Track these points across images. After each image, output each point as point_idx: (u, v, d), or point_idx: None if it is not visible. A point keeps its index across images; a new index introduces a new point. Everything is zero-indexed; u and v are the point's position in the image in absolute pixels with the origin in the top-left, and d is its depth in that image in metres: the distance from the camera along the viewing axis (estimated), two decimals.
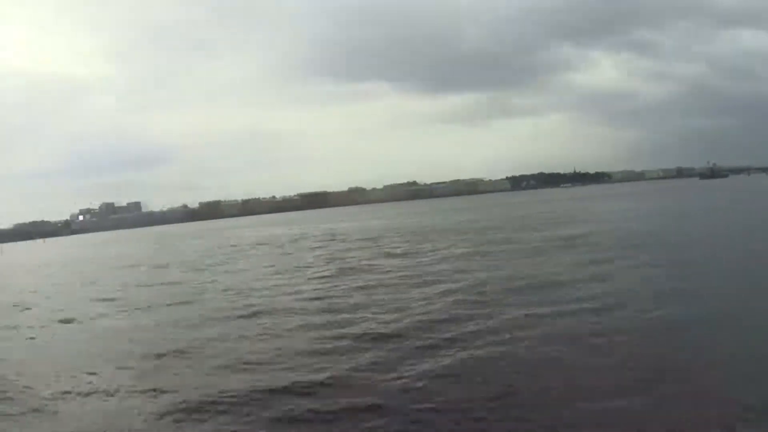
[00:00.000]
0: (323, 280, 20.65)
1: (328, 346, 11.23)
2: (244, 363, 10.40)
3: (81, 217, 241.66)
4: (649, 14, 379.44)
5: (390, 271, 21.66)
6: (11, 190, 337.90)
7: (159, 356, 11.37)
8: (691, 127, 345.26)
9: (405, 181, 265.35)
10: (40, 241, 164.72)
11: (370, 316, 13.76)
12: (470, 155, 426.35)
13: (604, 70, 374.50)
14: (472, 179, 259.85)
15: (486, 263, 21.30)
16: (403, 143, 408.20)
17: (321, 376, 9.30)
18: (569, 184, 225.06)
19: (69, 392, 9.36)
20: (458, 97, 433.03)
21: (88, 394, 9.20)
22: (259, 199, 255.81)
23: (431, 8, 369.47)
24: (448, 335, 11.31)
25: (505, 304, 13.64)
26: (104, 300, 20.23)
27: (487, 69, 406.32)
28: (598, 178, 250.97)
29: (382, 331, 12.15)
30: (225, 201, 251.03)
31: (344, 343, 11.39)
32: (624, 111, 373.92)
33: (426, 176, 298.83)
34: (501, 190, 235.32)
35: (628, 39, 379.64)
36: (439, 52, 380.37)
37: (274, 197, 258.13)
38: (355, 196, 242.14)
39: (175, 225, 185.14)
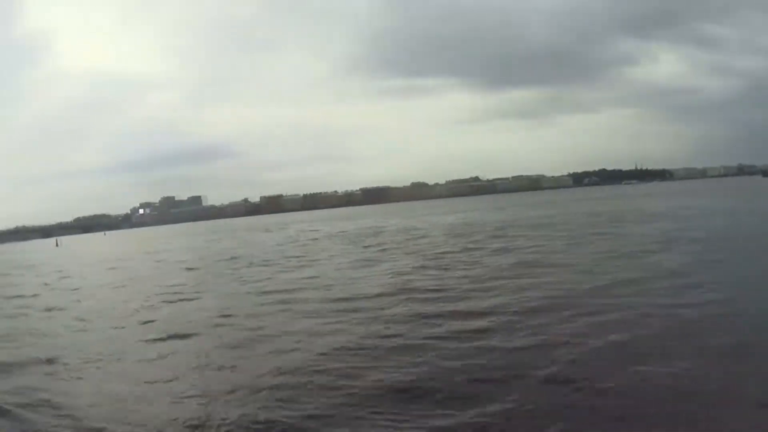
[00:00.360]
0: (432, 277, 18.17)
1: (501, 360, 8.92)
2: (406, 385, 8.10)
3: (141, 211, 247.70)
4: (712, 6, 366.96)
5: (499, 267, 19.23)
6: (73, 185, 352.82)
7: (290, 372, 9.09)
8: (753, 123, 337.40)
9: (467, 176, 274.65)
10: (100, 234, 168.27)
11: (511, 319, 11.45)
12: (532, 151, 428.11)
13: (666, 64, 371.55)
14: (535, 175, 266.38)
15: (597, 261, 18.77)
16: (464, 138, 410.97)
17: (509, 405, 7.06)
18: (632, 181, 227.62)
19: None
20: (520, 93, 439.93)
21: None
22: (320, 193, 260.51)
23: (494, 2, 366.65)
24: (623, 337, 9.53)
25: (651, 306, 11.58)
26: (186, 299, 18.12)
27: (549, 64, 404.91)
28: (660, 175, 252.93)
29: (542, 337, 9.96)
30: (286, 195, 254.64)
31: (514, 356, 9.06)
32: (686, 106, 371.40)
33: (488, 172, 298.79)
34: (563, 187, 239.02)
35: (691, 32, 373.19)
36: (501, 47, 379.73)
37: (336, 192, 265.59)
38: (417, 192, 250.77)
39: (237, 219, 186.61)
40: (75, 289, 24.06)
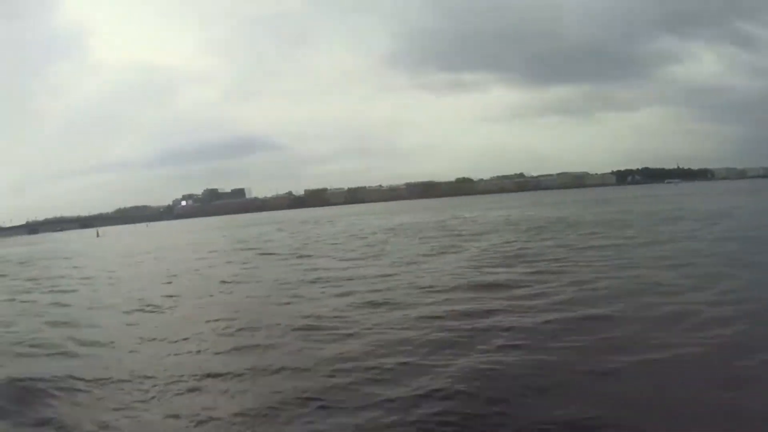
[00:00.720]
0: (527, 277, 16.16)
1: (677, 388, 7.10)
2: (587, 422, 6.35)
3: (184, 203, 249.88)
4: (747, 5, 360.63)
5: (592, 266, 17.36)
6: (114, 177, 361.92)
7: (424, 398, 7.21)
8: None
9: (511, 172, 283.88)
10: (142, 225, 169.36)
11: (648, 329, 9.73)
12: (575, 148, 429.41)
13: (705, 63, 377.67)
14: (579, 172, 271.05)
15: (697, 260, 17.11)
16: (507, 134, 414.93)
17: None
18: (674, 180, 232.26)
19: None
20: (562, 89, 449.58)
21: None
22: (364, 187, 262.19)
23: None
24: None
25: None
26: (254, 297, 16.24)
27: (590, 61, 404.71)
28: (702, 174, 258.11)
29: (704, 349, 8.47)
30: (330, 189, 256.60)
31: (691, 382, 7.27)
32: (723, 105, 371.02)
33: (531, 168, 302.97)
34: (607, 185, 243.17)
35: (731, 31, 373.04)
36: (542, 43, 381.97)
37: (380, 186, 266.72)
38: (462, 187, 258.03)
39: (282, 212, 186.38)
40: (118, 283, 22.78)
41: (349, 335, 10.74)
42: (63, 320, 14.99)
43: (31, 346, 12.10)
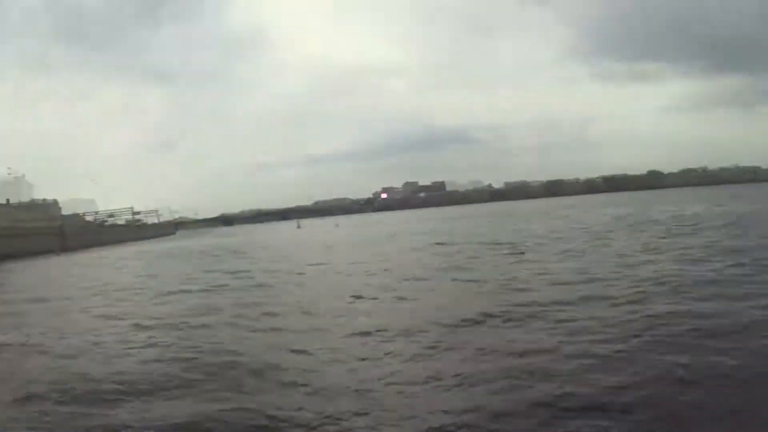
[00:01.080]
0: None
1: None
2: None
3: (384, 195, 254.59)
4: None
5: None
6: (311, 170, 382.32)
7: None
8: None
9: (695, 165, 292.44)
10: (343, 217, 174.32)
11: None
12: (743, 140, 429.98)
13: None
14: (753, 167, 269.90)
15: None
16: (687, 125, 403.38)
17: None
18: None
19: None
20: (735, 80, 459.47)
21: None
22: (563, 180, 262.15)
23: None
24: None
25: None
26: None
27: (756, 51, 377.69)
28: None
29: None
30: (530, 182, 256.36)
31: None
32: None
33: (709, 160, 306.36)
34: None
35: None
36: (715, 32, 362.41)
37: (577, 179, 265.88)
38: (652, 181, 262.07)
39: (484, 205, 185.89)
40: (342, 277, 22.64)
41: (623, 352, 9.01)
42: (277, 325, 13.56)
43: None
